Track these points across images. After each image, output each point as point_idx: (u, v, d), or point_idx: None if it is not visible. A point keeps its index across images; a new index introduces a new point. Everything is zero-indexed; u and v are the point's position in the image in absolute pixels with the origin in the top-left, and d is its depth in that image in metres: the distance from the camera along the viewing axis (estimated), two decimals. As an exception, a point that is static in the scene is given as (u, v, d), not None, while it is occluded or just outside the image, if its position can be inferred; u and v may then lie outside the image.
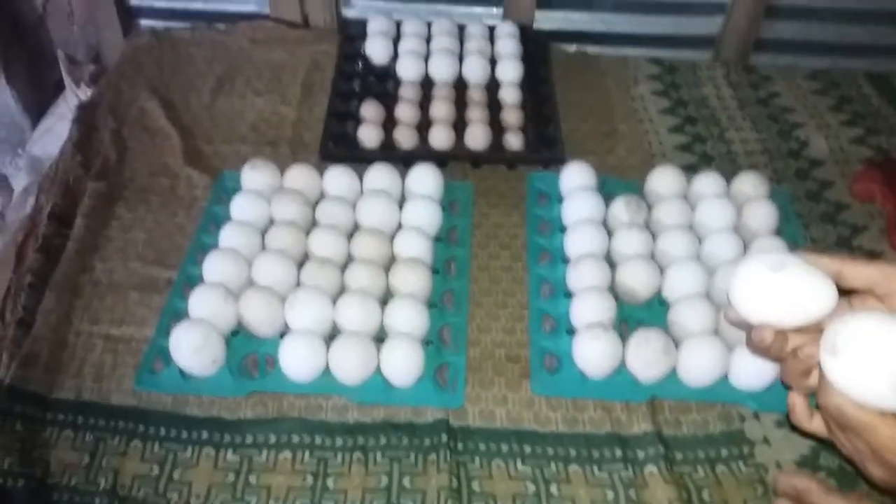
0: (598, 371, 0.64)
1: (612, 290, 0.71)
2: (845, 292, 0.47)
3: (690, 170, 0.89)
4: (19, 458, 0.61)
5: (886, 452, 0.42)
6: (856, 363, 0.42)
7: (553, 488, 0.62)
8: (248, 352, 0.67)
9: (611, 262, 0.73)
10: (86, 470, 0.61)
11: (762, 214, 0.75)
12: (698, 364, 0.64)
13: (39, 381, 0.66)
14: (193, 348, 0.61)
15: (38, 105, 1.13)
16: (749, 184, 0.78)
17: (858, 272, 0.46)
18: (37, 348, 0.68)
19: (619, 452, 0.64)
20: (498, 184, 0.87)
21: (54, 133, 1.06)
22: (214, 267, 0.69)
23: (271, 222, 0.75)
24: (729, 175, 0.85)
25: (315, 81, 1.00)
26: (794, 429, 0.53)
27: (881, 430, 0.42)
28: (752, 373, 0.64)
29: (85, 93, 1.07)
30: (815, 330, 0.47)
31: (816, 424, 0.50)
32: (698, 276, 0.69)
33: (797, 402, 0.50)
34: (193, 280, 0.71)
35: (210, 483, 0.61)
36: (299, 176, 0.78)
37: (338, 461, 0.63)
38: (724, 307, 0.51)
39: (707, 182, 0.78)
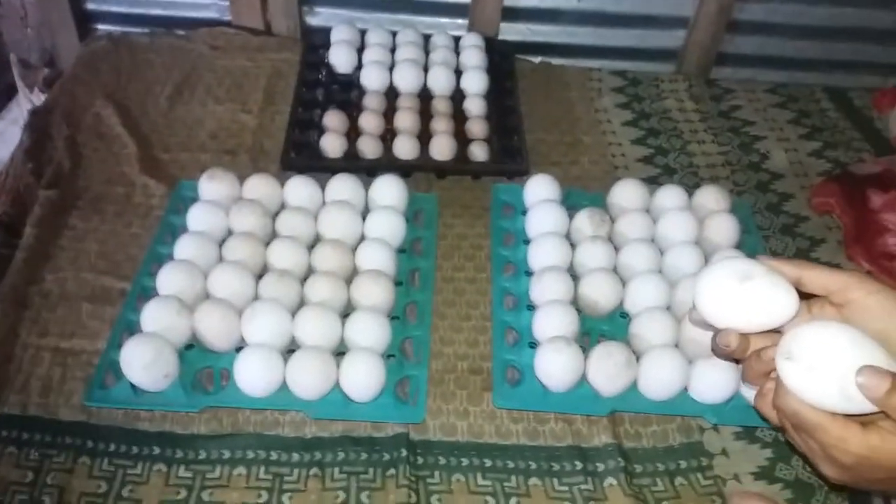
0: (560, 384, 0.64)
1: (575, 302, 0.71)
2: (805, 296, 0.49)
3: (653, 181, 0.91)
4: (-41, 476, 0.58)
5: (835, 451, 0.44)
6: (809, 369, 0.44)
7: (513, 502, 0.61)
8: (202, 366, 0.65)
9: (574, 274, 0.73)
10: (30, 488, 0.59)
11: (723, 228, 0.75)
12: (658, 377, 0.64)
13: (-18, 397, 0.64)
14: (144, 364, 0.60)
15: (-12, 109, 1.10)
16: (711, 197, 0.79)
17: (817, 279, 0.48)
18: (-19, 362, 0.66)
19: (579, 465, 0.63)
20: (462, 195, 0.87)
21: (5, 139, 1.03)
22: (169, 279, 0.67)
23: (230, 233, 0.73)
24: (691, 187, 0.85)
25: (277, 90, 0.99)
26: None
27: (832, 431, 0.44)
28: (712, 386, 0.64)
29: (38, 98, 1.05)
30: (776, 333, 0.48)
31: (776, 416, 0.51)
32: (660, 289, 0.70)
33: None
34: (147, 292, 0.69)
35: (160, 500, 0.59)
36: (259, 186, 0.76)
37: (294, 477, 0.61)
38: (689, 310, 0.52)
39: (669, 195, 0.79)
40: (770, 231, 0.86)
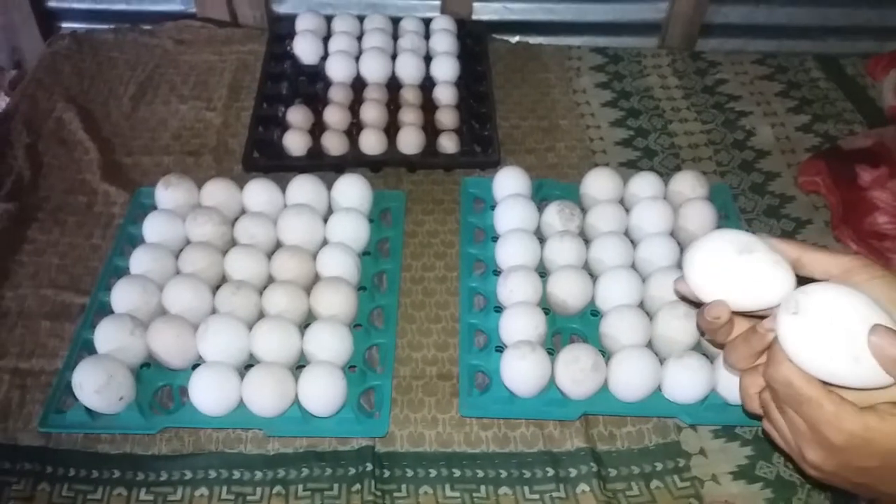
0: (526, 391, 0.62)
1: (545, 301, 0.69)
2: (801, 280, 0.46)
3: (632, 166, 0.88)
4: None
5: (826, 428, 0.41)
6: (816, 323, 0.40)
7: (482, 514, 0.59)
8: (160, 384, 0.64)
9: (544, 271, 0.71)
10: (-12, 518, 0.58)
11: (699, 216, 0.72)
12: (629, 379, 0.62)
13: (-63, 423, 0.63)
14: (96, 388, 0.58)
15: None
16: (687, 183, 0.76)
17: (818, 262, 0.45)
18: (-64, 386, 0.65)
19: (550, 471, 0.62)
20: (433, 189, 0.84)
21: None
22: (123, 295, 0.65)
23: (187, 242, 0.71)
24: (672, 170, 0.82)
25: (243, 84, 0.96)
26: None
27: (826, 406, 0.41)
28: (686, 385, 0.62)
29: (4, 101, 1.02)
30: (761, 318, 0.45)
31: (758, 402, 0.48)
32: (631, 286, 0.67)
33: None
34: (105, 307, 0.68)
35: (121, 526, 0.58)
36: (217, 191, 0.74)
37: (256, 496, 0.60)
38: (675, 280, 0.48)
39: (643, 183, 0.76)
40: (754, 213, 0.83)
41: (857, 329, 0.39)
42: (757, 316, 0.46)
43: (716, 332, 0.47)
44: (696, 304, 0.48)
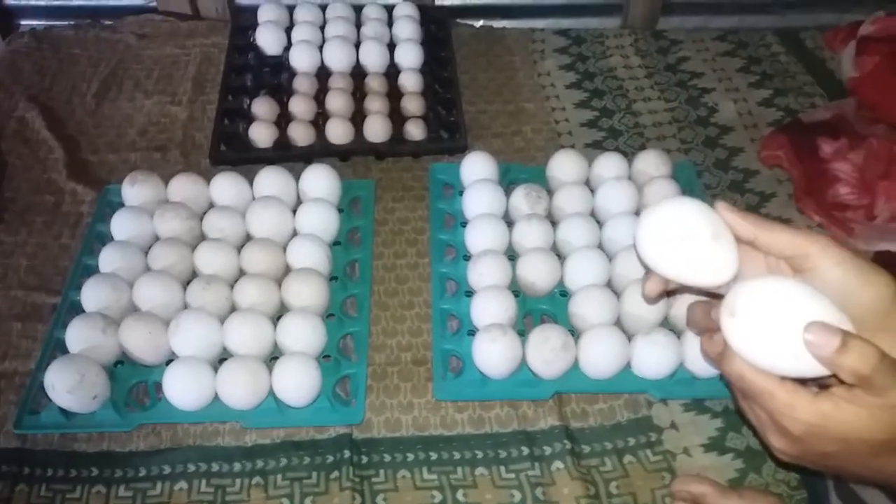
0: (498, 373, 0.63)
1: (515, 284, 0.69)
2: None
3: (598, 146, 0.88)
4: None
5: (783, 418, 0.41)
6: (754, 325, 0.40)
7: (460, 494, 0.61)
8: (135, 381, 0.64)
9: (514, 254, 0.71)
10: (-35, 523, 0.58)
11: (663, 195, 0.73)
12: (599, 357, 0.63)
13: None
14: (69, 388, 0.58)
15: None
16: (651, 162, 0.77)
17: (775, 242, 0.44)
18: None
19: (525, 450, 0.63)
20: (402, 176, 0.84)
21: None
22: (93, 294, 0.65)
23: (156, 239, 0.71)
24: (637, 149, 0.83)
25: (207, 77, 0.95)
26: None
27: (779, 396, 0.41)
28: (654, 361, 0.63)
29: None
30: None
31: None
32: (598, 266, 0.68)
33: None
34: (76, 306, 0.67)
35: (100, 523, 0.59)
36: (184, 186, 0.74)
37: (236, 488, 0.61)
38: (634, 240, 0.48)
39: (608, 164, 0.77)
40: (718, 189, 0.84)
41: (793, 326, 0.39)
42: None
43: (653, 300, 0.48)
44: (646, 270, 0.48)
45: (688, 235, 0.44)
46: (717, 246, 0.44)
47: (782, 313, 0.40)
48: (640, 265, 0.48)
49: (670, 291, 0.50)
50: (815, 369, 0.40)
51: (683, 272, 0.45)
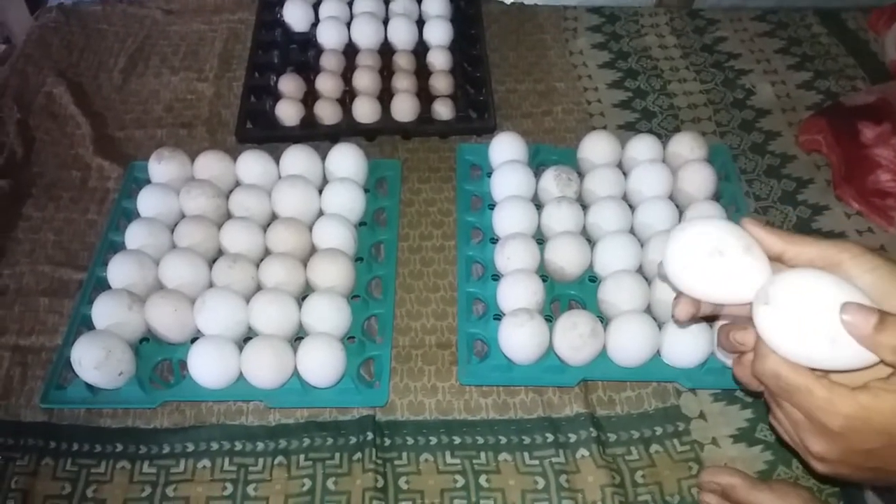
0: (524, 358, 0.62)
1: (543, 268, 0.68)
2: None
3: (630, 128, 0.86)
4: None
5: (822, 414, 0.40)
6: (788, 312, 0.40)
7: (482, 480, 0.60)
8: (160, 358, 0.64)
9: (542, 238, 0.70)
10: (-8, 494, 0.59)
11: (698, 178, 0.71)
12: (628, 344, 0.62)
13: (-60, 401, 0.63)
14: (95, 364, 0.58)
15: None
16: (685, 145, 0.75)
17: (803, 255, 0.43)
18: (-63, 365, 0.65)
19: (550, 437, 0.62)
20: (429, 157, 0.83)
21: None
22: (119, 270, 0.65)
23: (182, 216, 0.71)
24: (671, 131, 0.81)
25: (234, 53, 0.94)
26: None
27: (816, 392, 0.40)
28: (685, 350, 0.62)
29: (-5, 77, 1.01)
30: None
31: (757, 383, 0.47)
32: (629, 251, 0.66)
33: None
34: (102, 283, 0.67)
35: (125, 498, 0.59)
36: (210, 164, 0.73)
37: (258, 467, 0.61)
38: (658, 263, 0.49)
39: (641, 146, 0.75)
40: (754, 174, 0.82)
41: (829, 310, 0.38)
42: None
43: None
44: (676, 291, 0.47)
45: (719, 251, 0.43)
46: (751, 258, 0.43)
47: (817, 299, 0.39)
48: (672, 289, 0.47)
49: (704, 317, 0.48)
50: (852, 354, 0.39)
51: (718, 290, 0.44)
